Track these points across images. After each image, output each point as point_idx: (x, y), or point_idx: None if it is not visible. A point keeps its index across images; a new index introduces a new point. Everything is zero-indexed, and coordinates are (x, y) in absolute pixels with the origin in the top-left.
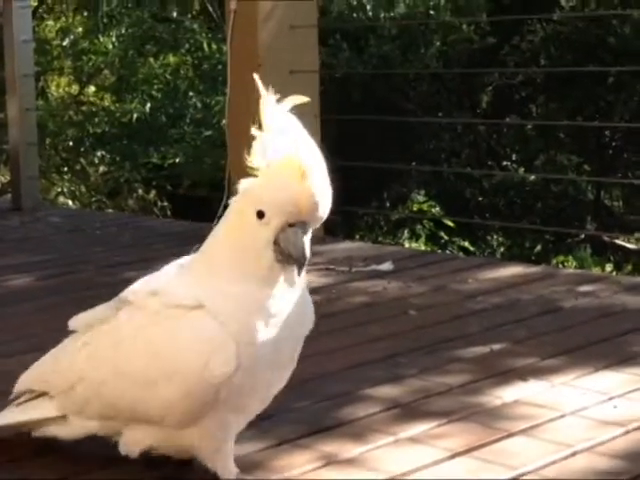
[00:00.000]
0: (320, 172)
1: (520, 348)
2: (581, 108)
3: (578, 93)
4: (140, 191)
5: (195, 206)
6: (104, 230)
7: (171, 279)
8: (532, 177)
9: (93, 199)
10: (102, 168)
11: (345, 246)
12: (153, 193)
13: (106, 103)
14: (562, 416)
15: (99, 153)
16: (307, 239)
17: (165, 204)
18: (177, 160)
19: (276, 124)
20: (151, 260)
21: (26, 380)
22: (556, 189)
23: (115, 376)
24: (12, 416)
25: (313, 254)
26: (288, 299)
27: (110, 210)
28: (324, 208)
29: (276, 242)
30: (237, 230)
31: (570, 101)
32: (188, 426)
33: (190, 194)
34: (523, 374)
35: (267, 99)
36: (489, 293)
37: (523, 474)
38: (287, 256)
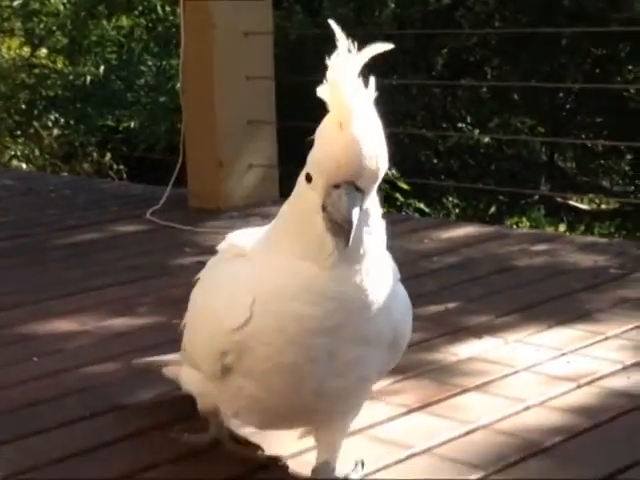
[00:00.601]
0: (366, 122)
1: (475, 306)
2: (535, 70)
3: (532, 55)
4: (95, 154)
5: (151, 169)
6: (58, 193)
7: (253, 237)
8: (487, 139)
9: (47, 162)
10: (56, 131)
11: None
12: (108, 156)
13: (59, 66)
14: (516, 372)
15: (53, 116)
16: (357, 202)
17: (121, 167)
18: (132, 124)
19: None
20: (106, 223)
21: None
22: (510, 151)
23: (187, 317)
24: (164, 356)
25: (269, 215)
26: (344, 282)
27: (65, 173)
28: (372, 162)
29: (324, 208)
30: (295, 197)
31: (524, 63)
32: (216, 378)
33: (146, 157)
34: (478, 331)
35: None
36: (444, 253)
37: (477, 428)
38: (334, 223)
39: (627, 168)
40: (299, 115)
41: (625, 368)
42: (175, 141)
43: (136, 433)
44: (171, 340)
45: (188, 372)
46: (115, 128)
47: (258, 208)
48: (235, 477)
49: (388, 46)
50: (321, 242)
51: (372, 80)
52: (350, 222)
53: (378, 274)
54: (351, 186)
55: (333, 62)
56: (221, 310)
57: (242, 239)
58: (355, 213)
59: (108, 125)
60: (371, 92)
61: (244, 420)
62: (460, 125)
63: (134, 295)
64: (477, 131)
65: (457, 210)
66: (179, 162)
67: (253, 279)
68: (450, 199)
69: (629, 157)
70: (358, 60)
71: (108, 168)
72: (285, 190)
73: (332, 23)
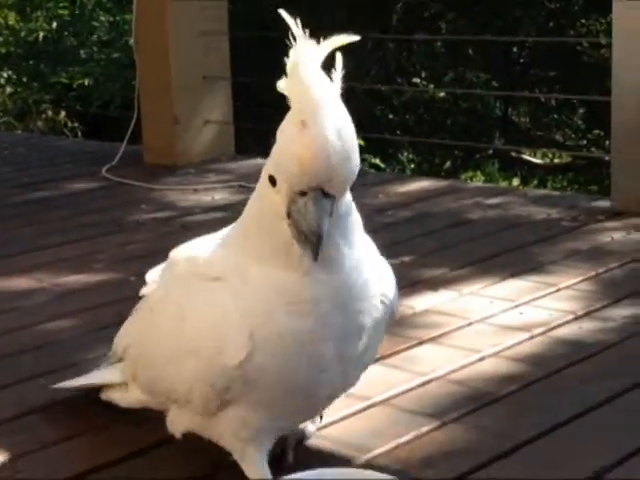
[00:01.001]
0: (334, 118)
1: (429, 260)
2: (489, 24)
3: (486, 9)
4: (49, 112)
5: (106, 126)
6: (12, 151)
7: (211, 247)
8: (442, 94)
9: (1, 120)
10: (9, 89)
11: (257, 163)
12: (63, 114)
13: (10, 22)
14: (470, 324)
15: (5, 74)
16: (326, 210)
17: (75, 125)
18: (86, 81)
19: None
20: (60, 180)
21: (114, 341)
22: (465, 105)
23: (147, 344)
24: (89, 376)
25: (225, 172)
26: (327, 284)
27: (19, 131)
28: (342, 166)
29: (289, 215)
30: (258, 199)
31: (478, 17)
32: (211, 414)
33: (101, 114)
34: (433, 284)
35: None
36: (399, 207)
37: (433, 379)
38: (300, 232)
39: (580, 122)
40: (255, 71)
41: (577, 318)
42: (130, 98)
43: (93, 390)
44: (126, 297)
45: (175, 412)
46: (69, 85)
47: (214, 164)
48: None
49: (353, 38)
50: (288, 250)
51: (338, 70)
52: (318, 235)
53: (362, 263)
54: (319, 192)
55: (293, 54)
56: (215, 345)
57: (197, 252)
58: (324, 223)
59: (62, 82)
60: (337, 84)
61: None
62: (415, 80)
63: (90, 252)
64: (432, 86)
65: (412, 165)
66: (134, 118)
67: (241, 306)
68: (405, 154)
69: (582, 111)
70: (321, 50)
71: (63, 126)
72: (241, 146)
73: (285, 15)
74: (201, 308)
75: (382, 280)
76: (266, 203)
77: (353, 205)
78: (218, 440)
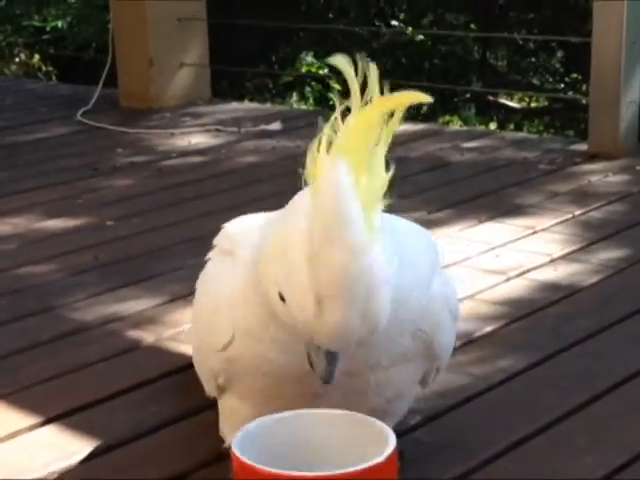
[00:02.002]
0: (357, 298)
1: (407, 203)
2: None
3: None
4: (23, 55)
5: (81, 70)
6: None
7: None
8: (420, 37)
9: None
10: None
11: (233, 107)
12: (37, 57)
13: None
14: (447, 266)
15: None
16: (336, 361)
17: (50, 69)
18: (60, 24)
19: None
20: (35, 124)
21: None
22: (444, 49)
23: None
24: None
25: (201, 115)
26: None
27: None
28: (356, 335)
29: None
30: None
31: None
32: (215, 394)
33: (76, 57)
34: None
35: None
36: None
37: None
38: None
39: (558, 65)
40: (232, 12)
41: (553, 261)
42: (105, 41)
43: (70, 332)
44: (103, 242)
45: None
46: (42, 28)
47: (190, 108)
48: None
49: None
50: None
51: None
52: (330, 382)
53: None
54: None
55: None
56: (207, 324)
57: (237, 229)
58: (334, 371)
59: (35, 25)
60: (378, 219)
61: None
62: (394, 23)
63: (66, 197)
64: (410, 28)
65: None
66: (108, 62)
67: (235, 287)
68: None
69: (560, 54)
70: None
71: (37, 69)
72: (217, 89)
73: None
74: (206, 282)
75: (425, 316)
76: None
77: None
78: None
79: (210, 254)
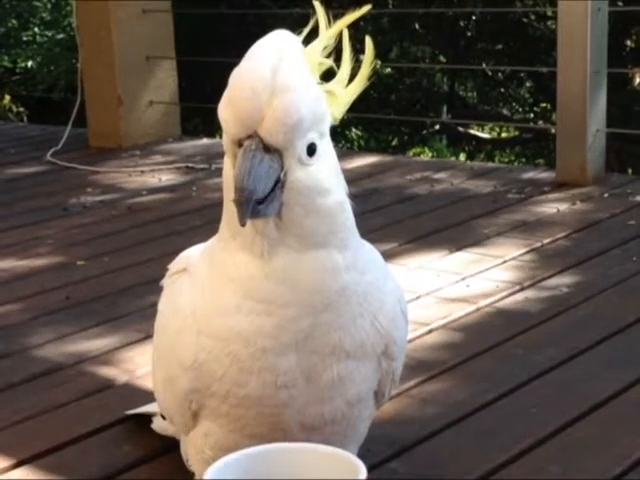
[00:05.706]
0: (272, 57)
1: (378, 235)
2: None
3: None
4: None
5: (52, 110)
6: None
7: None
8: (387, 70)
9: None
10: None
11: (204, 143)
12: (7, 99)
13: None
14: (418, 297)
15: None
16: (262, 163)
17: (21, 110)
18: (29, 64)
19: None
20: (4, 166)
21: None
22: (410, 81)
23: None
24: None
25: (171, 153)
26: (288, 271)
27: None
28: (275, 107)
29: None
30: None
31: None
32: (188, 429)
33: (46, 98)
34: None
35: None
36: (347, 184)
37: None
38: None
39: (527, 95)
40: (201, 50)
41: (522, 289)
42: (75, 80)
43: (42, 373)
44: (74, 282)
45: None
46: (12, 69)
47: (160, 145)
48: None
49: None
50: (234, 221)
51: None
52: (243, 190)
53: (344, 261)
54: (255, 142)
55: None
56: (173, 344)
57: (186, 252)
58: (256, 177)
59: (5, 66)
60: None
61: None
62: (361, 57)
63: (35, 237)
64: (378, 62)
65: (361, 142)
66: (77, 101)
67: (193, 300)
68: (354, 131)
69: (529, 84)
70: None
71: (7, 110)
72: (188, 127)
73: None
74: (163, 303)
75: (382, 308)
76: (224, 172)
77: (348, 206)
78: (190, 463)
79: (163, 281)
